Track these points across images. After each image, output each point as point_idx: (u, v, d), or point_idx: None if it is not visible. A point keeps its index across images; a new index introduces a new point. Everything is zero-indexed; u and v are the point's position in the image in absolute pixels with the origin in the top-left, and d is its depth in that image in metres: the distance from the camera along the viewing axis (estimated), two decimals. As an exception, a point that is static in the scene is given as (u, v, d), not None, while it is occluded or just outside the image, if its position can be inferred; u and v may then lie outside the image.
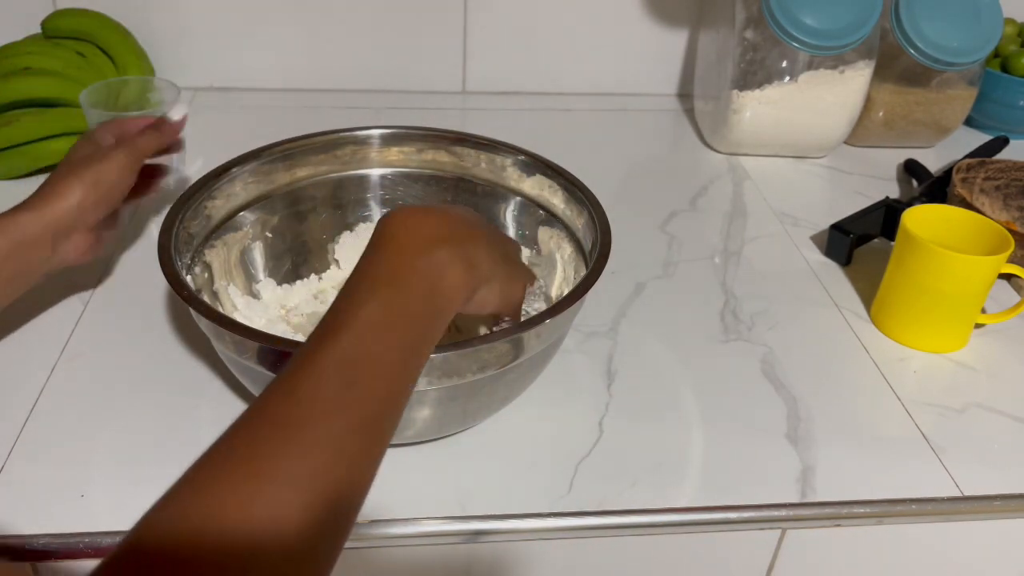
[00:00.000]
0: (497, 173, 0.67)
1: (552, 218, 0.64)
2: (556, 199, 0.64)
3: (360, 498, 0.35)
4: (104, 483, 0.51)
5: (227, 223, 0.62)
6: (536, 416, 0.58)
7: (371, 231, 0.43)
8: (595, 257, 0.55)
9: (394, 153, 0.68)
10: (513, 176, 0.66)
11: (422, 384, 0.48)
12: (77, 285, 0.67)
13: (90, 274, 0.68)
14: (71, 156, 0.59)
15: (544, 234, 0.66)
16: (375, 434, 0.36)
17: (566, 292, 0.53)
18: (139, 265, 0.70)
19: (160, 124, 0.63)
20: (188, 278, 0.54)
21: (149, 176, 0.65)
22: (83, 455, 0.53)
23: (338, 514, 0.33)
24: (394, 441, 0.55)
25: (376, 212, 0.69)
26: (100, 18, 0.89)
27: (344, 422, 0.34)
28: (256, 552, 0.30)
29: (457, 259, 0.42)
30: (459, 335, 0.60)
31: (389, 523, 0.50)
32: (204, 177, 0.59)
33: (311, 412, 0.34)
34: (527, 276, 0.51)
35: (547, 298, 0.64)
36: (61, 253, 0.57)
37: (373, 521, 0.50)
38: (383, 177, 0.68)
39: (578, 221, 0.62)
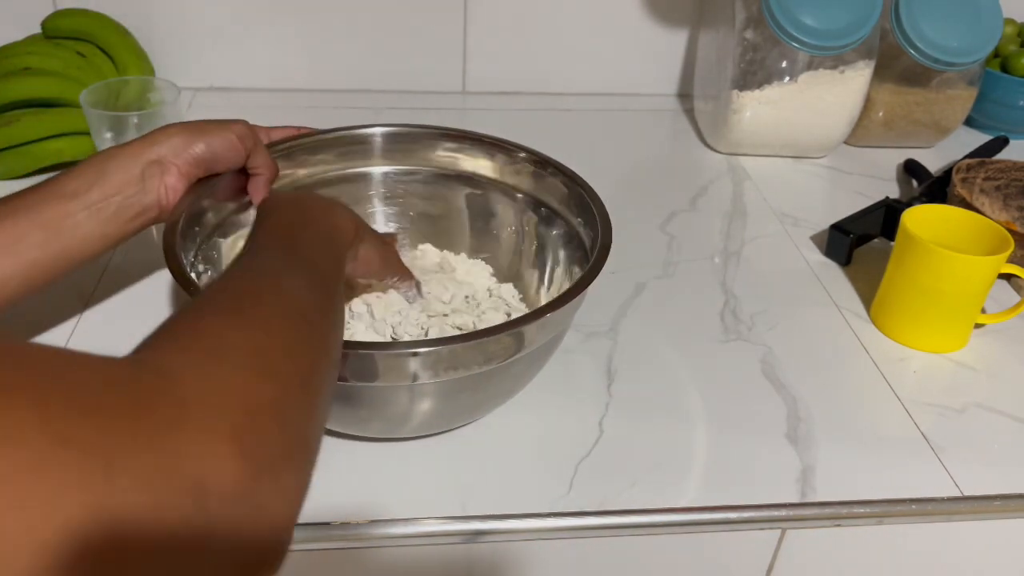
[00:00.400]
0: (499, 170, 0.67)
1: (553, 215, 0.65)
2: (556, 196, 0.64)
3: (327, 344, 0.37)
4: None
5: (229, 220, 0.61)
6: (536, 416, 0.58)
7: (373, 228, 0.49)
8: (596, 251, 0.55)
9: (396, 151, 0.68)
10: (514, 173, 0.66)
11: (425, 376, 0.48)
12: (77, 285, 0.67)
13: (90, 274, 0.68)
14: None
15: (544, 231, 0.66)
16: (327, 291, 0.39)
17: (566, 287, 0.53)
18: (139, 265, 0.70)
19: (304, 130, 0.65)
20: (192, 275, 0.54)
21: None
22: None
23: (316, 344, 0.35)
24: (398, 435, 0.55)
25: (379, 208, 0.69)
26: (100, 18, 0.89)
27: (298, 276, 0.38)
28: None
29: (341, 214, 0.49)
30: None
31: (389, 523, 0.50)
32: (207, 176, 0.59)
33: (272, 268, 0.38)
34: (389, 236, 0.62)
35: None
36: (152, 190, 0.53)
37: (373, 521, 0.50)
38: (385, 175, 0.68)
39: (579, 218, 0.62)
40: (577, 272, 0.61)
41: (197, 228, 0.57)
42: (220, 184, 0.58)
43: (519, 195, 0.66)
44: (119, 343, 0.62)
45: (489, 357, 0.49)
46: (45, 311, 0.64)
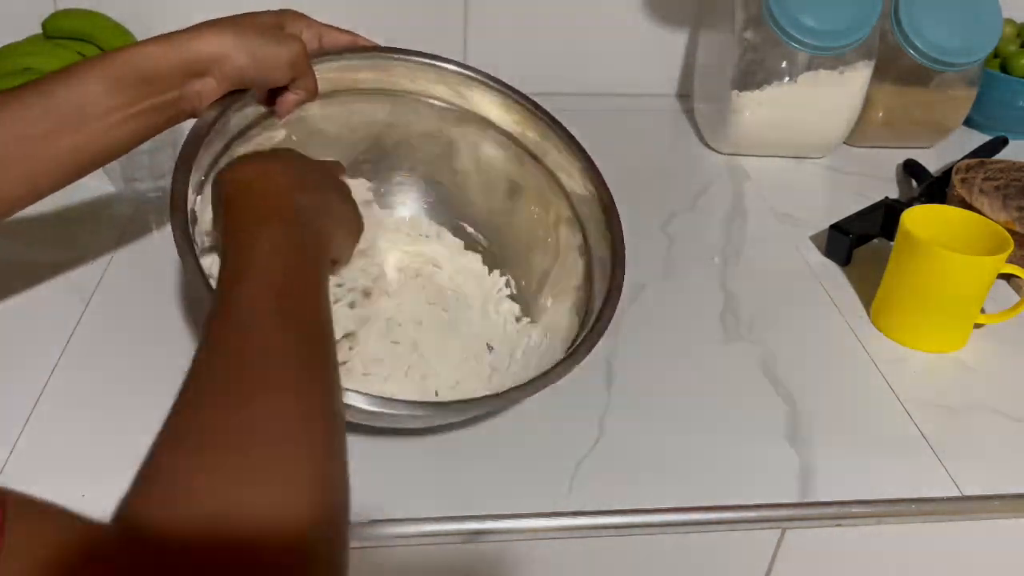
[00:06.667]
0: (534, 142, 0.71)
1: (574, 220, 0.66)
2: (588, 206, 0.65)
3: (340, 403, 0.36)
4: (104, 483, 0.51)
5: (245, 134, 0.59)
6: (537, 415, 0.58)
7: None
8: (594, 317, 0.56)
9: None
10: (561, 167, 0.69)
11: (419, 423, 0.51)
12: (77, 285, 0.67)
13: (90, 274, 0.68)
14: (243, 16, 0.54)
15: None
16: (322, 339, 0.38)
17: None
18: (139, 265, 0.70)
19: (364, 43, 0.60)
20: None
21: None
22: (84, 455, 0.53)
23: (332, 416, 0.34)
24: (396, 425, 0.55)
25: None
26: (100, 18, 0.89)
27: (291, 336, 0.36)
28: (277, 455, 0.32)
29: (312, 204, 0.44)
30: None
31: (389, 523, 0.50)
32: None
33: (257, 346, 0.35)
34: (335, 165, 0.55)
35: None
36: (190, 97, 0.51)
37: (373, 521, 0.50)
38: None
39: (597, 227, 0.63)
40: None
41: (210, 141, 0.54)
42: (249, 95, 0.55)
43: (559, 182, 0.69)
44: (119, 343, 0.62)
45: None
46: (45, 311, 0.64)
